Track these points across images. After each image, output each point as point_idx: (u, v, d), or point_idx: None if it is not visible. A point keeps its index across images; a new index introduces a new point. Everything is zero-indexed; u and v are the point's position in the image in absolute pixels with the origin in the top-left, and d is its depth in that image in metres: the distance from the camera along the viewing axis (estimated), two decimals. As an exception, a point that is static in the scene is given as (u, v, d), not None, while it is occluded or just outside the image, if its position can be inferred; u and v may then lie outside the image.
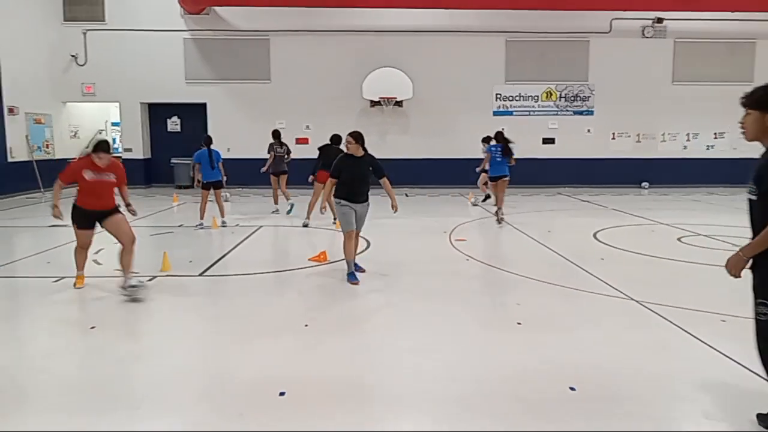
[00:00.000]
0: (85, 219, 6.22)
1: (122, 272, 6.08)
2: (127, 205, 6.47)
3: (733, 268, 3.20)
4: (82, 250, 6.44)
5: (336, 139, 10.61)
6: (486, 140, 13.40)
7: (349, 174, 6.63)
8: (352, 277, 6.60)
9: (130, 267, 6.10)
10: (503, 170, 11.20)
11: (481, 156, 13.62)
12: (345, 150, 6.88)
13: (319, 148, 10.81)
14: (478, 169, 13.01)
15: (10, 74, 15.14)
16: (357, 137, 6.63)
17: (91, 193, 6.18)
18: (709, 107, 17.99)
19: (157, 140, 18.57)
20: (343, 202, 6.63)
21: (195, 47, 17.70)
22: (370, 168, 6.75)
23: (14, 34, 15.37)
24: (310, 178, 10.72)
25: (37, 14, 16.58)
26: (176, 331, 5.10)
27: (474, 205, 13.74)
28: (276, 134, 12.78)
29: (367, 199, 6.82)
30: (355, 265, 6.92)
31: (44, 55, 16.91)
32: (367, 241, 8.84)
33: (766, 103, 3.06)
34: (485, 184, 13.37)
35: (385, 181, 6.88)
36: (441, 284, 6.59)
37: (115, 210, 6.29)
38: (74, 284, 6.33)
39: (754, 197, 3.12)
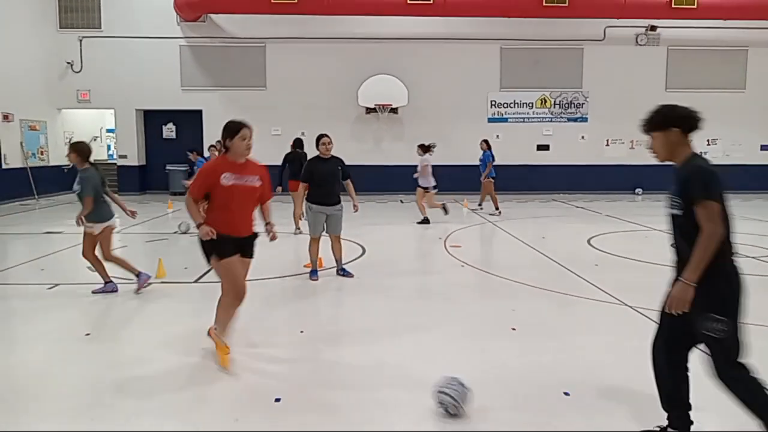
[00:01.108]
0: (232, 245, 4.35)
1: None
2: (267, 224, 4.80)
3: (682, 301, 2.84)
4: (236, 302, 4.40)
5: (299, 143, 10.81)
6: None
7: (321, 176, 6.78)
8: (313, 274, 6.97)
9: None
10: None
11: (477, 162, 13.76)
12: (319, 152, 6.93)
13: (286, 156, 10.79)
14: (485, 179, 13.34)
15: (5, 81, 15.14)
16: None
17: (227, 207, 4.28)
18: (703, 114, 18.04)
19: (152, 147, 18.58)
20: (314, 206, 6.77)
21: (191, 54, 17.74)
22: (339, 168, 6.88)
23: (9, 40, 15.38)
24: (279, 189, 10.45)
25: (32, 21, 16.60)
26: (171, 338, 5.09)
27: (473, 210, 13.77)
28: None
29: (339, 201, 6.91)
30: (344, 270, 7.02)
31: (40, 62, 16.91)
32: (362, 247, 8.85)
33: (662, 122, 3.10)
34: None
35: (349, 183, 7.10)
36: (436, 290, 6.61)
37: (254, 238, 4.60)
38: (218, 361, 4.29)
39: (678, 212, 2.98)
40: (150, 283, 6.53)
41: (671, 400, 3.18)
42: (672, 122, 3.10)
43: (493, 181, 13.30)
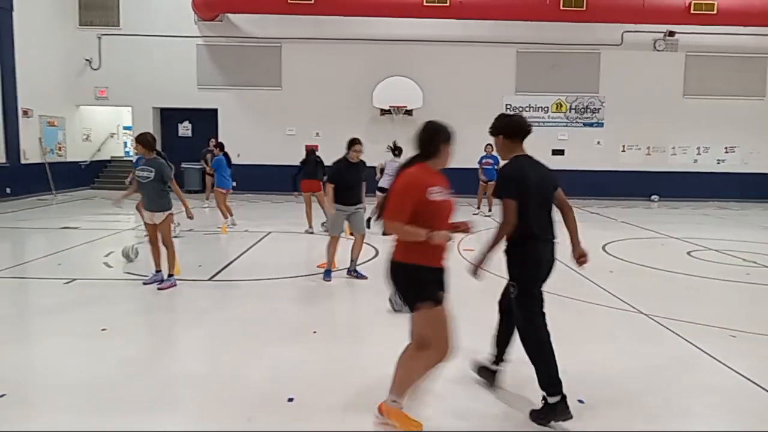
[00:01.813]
0: (440, 284, 3.46)
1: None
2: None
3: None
4: (440, 361, 3.33)
5: (313, 151, 11.46)
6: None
7: (348, 179, 6.94)
8: (327, 275, 6.97)
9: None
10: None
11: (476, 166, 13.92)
12: (349, 156, 7.01)
13: (302, 162, 11.28)
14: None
15: (25, 77, 15.33)
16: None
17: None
18: (721, 121, 17.95)
19: (168, 145, 18.71)
20: (336, 206, 6.86)
21: (207, 53, 17.87)
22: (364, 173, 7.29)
23: (30, 38, 15.58)
24: (296, 194, 11.22)
25: (52, 19, 16.81)
26: (186, 335, 5.14)
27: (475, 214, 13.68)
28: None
29: (361, 201, 7.12)
30: (357, 271, 7.02)
31: (59, 59, 17.13)
32: (375, 248, 8.85)
33: (492, 130, 3.79)
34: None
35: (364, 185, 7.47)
36: (449, 295, 6.58)
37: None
38: None
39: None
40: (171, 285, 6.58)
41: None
42: (498, 131, 3.77)
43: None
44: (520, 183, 3.55)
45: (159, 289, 6.39)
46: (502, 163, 3.81)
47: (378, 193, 11.07)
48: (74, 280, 6.75)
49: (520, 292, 3.70)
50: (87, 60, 17.72)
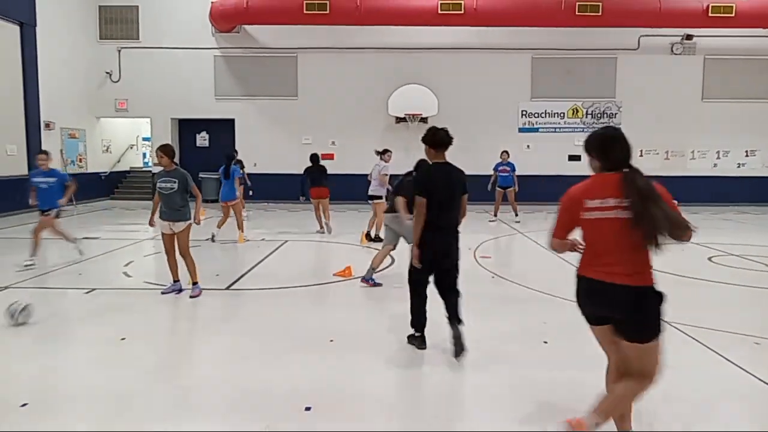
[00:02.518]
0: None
1: None
2: None
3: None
4: (646, 388, 3.17)
5: (315, 158, 11.65)
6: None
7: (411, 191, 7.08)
8: (370, 279, 7.11)
9: None
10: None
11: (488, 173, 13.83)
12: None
13: (307, 169, 11.56)
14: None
15: (48, 90, 15.65)
16: None
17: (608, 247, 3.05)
18: (741, 125, 17.70)
19: (186, 155, 18.95)
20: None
21: (225, 64, 18.09)
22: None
23: (52, 52, 15.91)
24: (302, 198, 11.53)
25: (74, 33, 17.17)
26: (204, 344, 5.17)
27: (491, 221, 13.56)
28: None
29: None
30: (372, 280, 7.05)
31: (80, 73, 17.48)
32: (391, 256, 8.84)
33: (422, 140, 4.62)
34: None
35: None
36: (466, 301, 6.54)
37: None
38: None
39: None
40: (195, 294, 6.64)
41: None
42: (423, 140, 4.78)
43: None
44: (425, 184, 4.56)
45: (191, 297, 6.48)
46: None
47: (369, 201, 10.57)
48: (94, 289, 6.84)
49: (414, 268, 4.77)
50: (107, 73, 18.06)
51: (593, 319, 3.20)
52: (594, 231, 3.03)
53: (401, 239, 7.01)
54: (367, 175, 10.83)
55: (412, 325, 4.96)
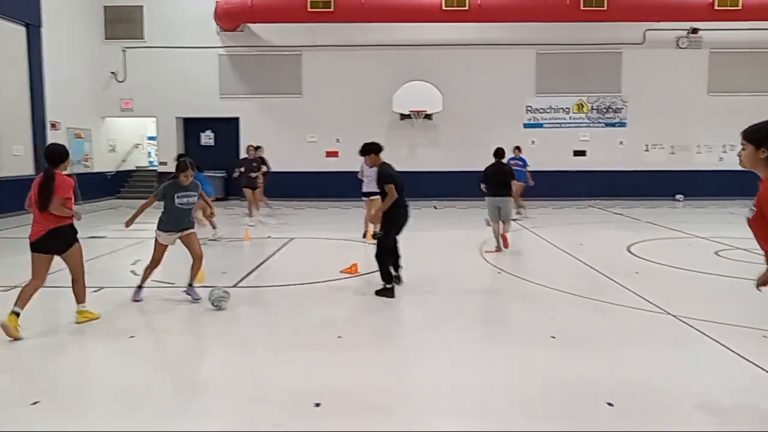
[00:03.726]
0: None
1: None
2: None
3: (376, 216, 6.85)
4: None
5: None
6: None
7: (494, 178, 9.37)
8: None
9: None
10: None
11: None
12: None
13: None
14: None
15: (54, 90, 15.72)
16: None
17: None
18: (747, 118, 17.34)
19: (191, 154, 18.92)
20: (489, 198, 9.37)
21: (229, 63, 18.12)
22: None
23: (58, 53, 15.97)
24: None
25: (79, 33, 17.23)
26: (212, 342, 5.20)
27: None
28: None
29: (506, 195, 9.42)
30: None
31: (86, 73, 17.54)
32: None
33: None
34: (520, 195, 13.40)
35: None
36: (472, 297, 6.57)
37: None
38: None
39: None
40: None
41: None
42: (373, 150, 6.87)
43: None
44: (395, 174, 6.47)
45: (195, 300, 6.25)
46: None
47: (364, 198, 10.49)
48: (102, 288, 6.88)
49: (384, 234, 6.55)
50: (112, 73, 18.12)
51: None
52: None
53: None
54: (357, 173, 10.74)
55: (386, 279, 6.50)
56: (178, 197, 6.21)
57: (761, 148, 3.08)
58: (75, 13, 17.03)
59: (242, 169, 12.59)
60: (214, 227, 10.54)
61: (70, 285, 5.66)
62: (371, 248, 7.52)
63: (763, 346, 4.78)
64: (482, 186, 9.49)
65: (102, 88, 18.14)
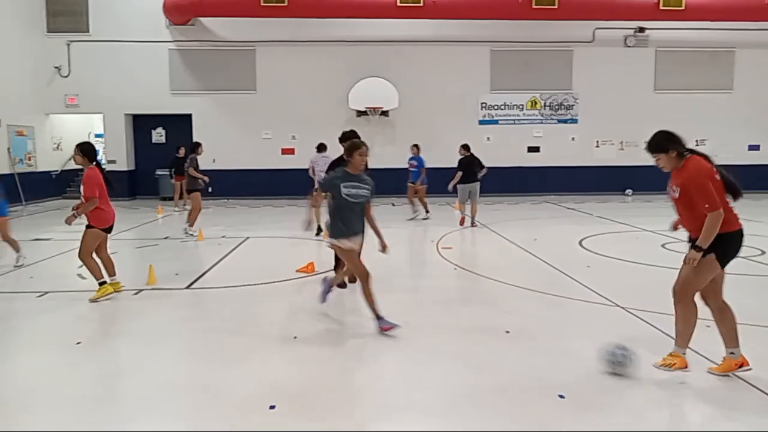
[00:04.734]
0: None
1: None
2: None
3: None
4: None
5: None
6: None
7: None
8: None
9: None
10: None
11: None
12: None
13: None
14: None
15: (-8, 86, 14.99)
16: None
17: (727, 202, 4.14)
18: (691, 115, 18.28)
19: (141, 152, 18.48)
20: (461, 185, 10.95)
21: (180, 58, 17.67)
22: None
23: (-4, 45, 15.23)
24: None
25: (19, 25, 16.48)
26: (164, 345, 5.05)
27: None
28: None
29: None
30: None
31: (27, 67, 16.79)
32: (354, 251, 8.81)
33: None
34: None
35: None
36: (429, 293, 6.60)
37: None
38: None
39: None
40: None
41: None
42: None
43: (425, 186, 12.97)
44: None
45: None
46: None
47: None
48: (47, 293, 6.61)
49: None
50: (56, 67, 17.39)
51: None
52: (720, 192, 3.94)
53: None
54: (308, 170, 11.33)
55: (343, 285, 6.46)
56: (346, 187, 5.06)
57: (669, 151, 4.16)
58: (14, 3, 16.27)
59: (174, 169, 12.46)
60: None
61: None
62: (325, 247, 7.46)
63: (706, 335, 4.96)
64: (458, 174, 11.50)
65: (45, 83, 17.40)
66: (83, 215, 6.36)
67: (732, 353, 4.08)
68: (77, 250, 6.39)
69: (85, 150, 6.44)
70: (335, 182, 5.09)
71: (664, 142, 4.18)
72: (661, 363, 4.20)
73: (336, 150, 6.75)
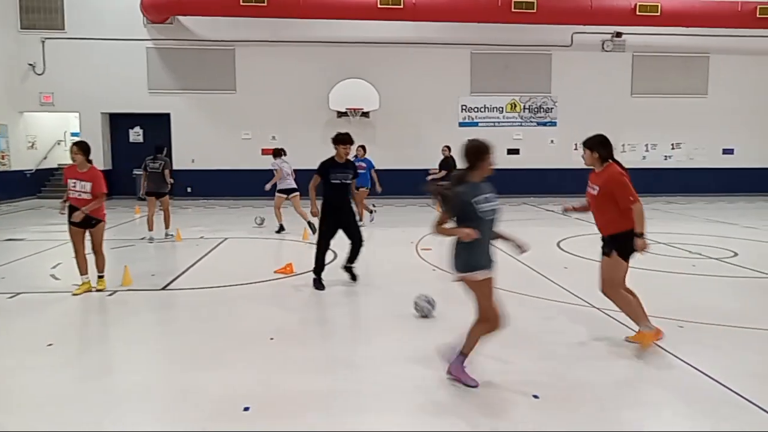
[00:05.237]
0: None
1: None
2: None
3: None
4: None
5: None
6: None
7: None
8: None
9: None
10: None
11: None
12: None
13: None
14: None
15: (-37, 83, 14.66)
16: None
17: None
18: (667, 119, 18.62)
19: (118, 151, 18.22)
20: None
21: (158, 57, 17.47)
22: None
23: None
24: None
25: (-8, 22, 16.13)
26: (138, 347, 4.98)
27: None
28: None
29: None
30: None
31: (0, 64, 16.43)
32: (333, 252, 8.78)
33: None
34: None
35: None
36: (407, 294, 6.59)
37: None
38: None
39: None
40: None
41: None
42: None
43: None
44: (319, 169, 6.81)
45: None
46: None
47: (280, 195, 11.27)
48: (19, 294, 6.47)
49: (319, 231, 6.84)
50: (30, 65, 17.07)
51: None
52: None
53: None
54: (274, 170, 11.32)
55: (316, 270, 6.85)
56: (477, 203, 4.00)
57: (593, 151, 4.82)
58: (-13, 0, 15.95)
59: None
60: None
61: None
62: (307, 247, 7.44)
63: (679, 335, 5.04)
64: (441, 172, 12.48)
65: (19, 81, 17.08)
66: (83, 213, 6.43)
67: (647, 327, 4.66)
68: (96, 246, 6.60)
69: (86, 148, 6.62)
70: (464, 199, 3.93)
71: (596, 143, 4.82)
72: (631, 338, 4.81)
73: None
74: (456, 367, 4.04)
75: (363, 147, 12.50)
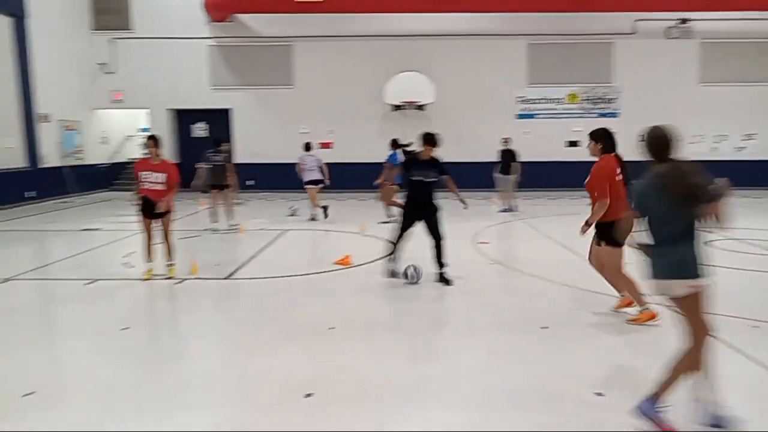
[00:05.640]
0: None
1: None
2: None
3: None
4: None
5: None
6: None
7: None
8: None
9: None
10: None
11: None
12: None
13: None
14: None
15: (43, 83, 15.58)
16: None
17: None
18: (738, 108, 17.69)
19: (183, 146, 18.91)
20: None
21: (219, 54, 18.01)
22: None
23: (45, 44, 15.79)
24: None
25: (66, 24, 17.04)
26: (205, 334, 5.21)
27: (504, 211, 13.19)
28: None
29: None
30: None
31: (74, 64, 17.37)
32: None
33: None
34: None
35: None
36: (465, 288, 6.60)
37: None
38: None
39: None
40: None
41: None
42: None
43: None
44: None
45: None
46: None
47: (309, 186, 11.88)
48: (96, 280, 6.87)
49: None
50: (101, 64, 17.95)
51: None
52: (620, 188, 5.20)
53: None
54: (298, 164, 12.05)
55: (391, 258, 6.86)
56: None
57: (597, 143, 5.34)
58: (61, 2, 16.84)
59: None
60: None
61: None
62: (362, 239, 7.54)
63: (753, 336, 4.84)
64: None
65: (91, 79, 17.98)
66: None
67: (646, 308, 5.05)
68: (166, 235, 7.08)
69: (159, 141, 7.10)
70: (649, 192, 3.41)
71: (599, 135, 5.36)
72: (630, 319, 5.15)
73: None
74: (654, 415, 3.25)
75: (395, 141, 11.19)
